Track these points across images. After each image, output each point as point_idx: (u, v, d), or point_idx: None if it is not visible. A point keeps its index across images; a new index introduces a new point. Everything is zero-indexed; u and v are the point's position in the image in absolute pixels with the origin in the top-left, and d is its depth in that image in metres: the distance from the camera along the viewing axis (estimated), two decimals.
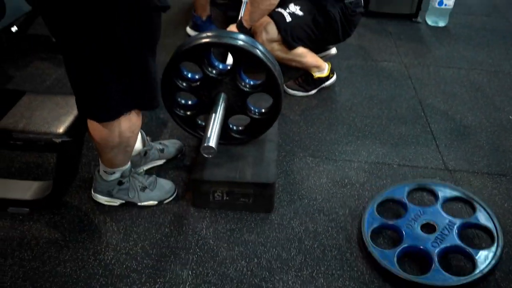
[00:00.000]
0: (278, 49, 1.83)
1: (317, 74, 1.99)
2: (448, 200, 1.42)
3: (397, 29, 2.74)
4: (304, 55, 1.89)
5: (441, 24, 2.81)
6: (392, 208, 1.42)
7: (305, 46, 1.87)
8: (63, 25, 0.92)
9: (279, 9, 1.82)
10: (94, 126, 1.12)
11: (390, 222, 1.33)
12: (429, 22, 2.83)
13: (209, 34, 1.27)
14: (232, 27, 1.80)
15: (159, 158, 1.54)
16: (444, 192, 1.42)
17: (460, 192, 1.43)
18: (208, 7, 2.42)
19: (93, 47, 0.93)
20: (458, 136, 1.80)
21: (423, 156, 1.69)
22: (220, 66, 1.34)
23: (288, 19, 1.79)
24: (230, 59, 1.70)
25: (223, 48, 1.39)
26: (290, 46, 1.82)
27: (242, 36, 1.29)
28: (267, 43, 1.80)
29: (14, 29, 2.10)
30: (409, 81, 2.18)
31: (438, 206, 1.36)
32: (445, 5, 2.73)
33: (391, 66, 2.32)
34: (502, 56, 2.47)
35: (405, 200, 1.39)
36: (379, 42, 2.57)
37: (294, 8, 1.82)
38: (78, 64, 0.98)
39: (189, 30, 2.51)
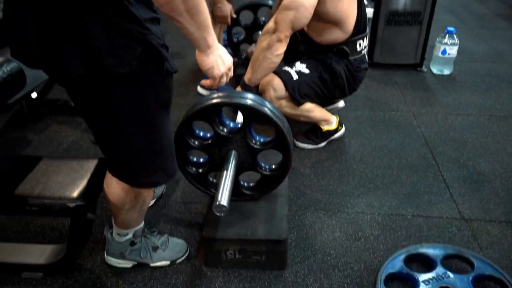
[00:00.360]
0: (286, 106, 1.88)
1: (325, 127, 2.02)
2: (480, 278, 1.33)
3: (403, 78, 2.80)
4: (312, 110, 1.93)
5: (446, 72, 2.87)
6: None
7: (312, 101, 1.92)
8: (89, 100, 0.95)
9: (286, 68, 1.88)
10: (112, 189, 1.14)
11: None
12: (434, 71, 2.89)
13: (219, 94, 1.32)
14: (238, 89, 1.86)
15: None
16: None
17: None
18: None
19: (117, 115, 0.95)
20: (472, 184, 1.78)
21: (437, 205, 1.66)
22: (231, 125, 1.38)
23: (295, 77, 1.85)
24: (240, 117, 1.75)
25: (234, 108, 1.43)
26: (298, 103, 1.86)
27: (251, 95, 1.34)
28: (275, 100, 1.85)
29: (34, 95, 2.22)
30: (418, 129, 2.20)
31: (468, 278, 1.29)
32: (449, 54, 2.79)
33: (399, 115, 2.34)
34: (510, 101, 2.48)
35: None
36: (386, 92, 2.61)
37: (300, 67, 1.88)
38: (105, 133, 1.01)
39: (200, 89, 2.61)
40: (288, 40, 1.71)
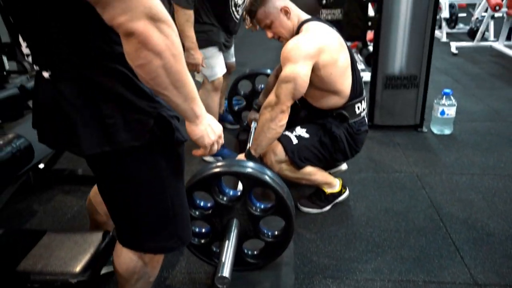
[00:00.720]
0: (286, 169, 1.89)
1: (329, 190, 2.02)
2: None
3: (404, 139, 2.83)
4: (313, 173, 1.95)
5: (447, 132, 2.91)
6: None
7: (313, 165, 1.94)
8: (103, 170, 1.00)
9: (286, 132, 1.92)
10: (121, 259, 1.13)
11: None
12: (435, 131, 2.93)
13: (218, 164, 1.34)
14: (241, 156, 1.88)
15: None
16: None
17: None
18: None
19: (131, 184, 0.99)
20: (483, 246, 1.74)
21: (449, 270, 1.61)
22: (231, 193, 1.39)
23: (295, 141, 1.88)
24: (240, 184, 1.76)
25: (233, 176, 1.45)
26: (299, 166, 1.88)
27: (250, 163, 1.36)
28: (275, 164, 1.87)
29: (41, 166, 2.25)
30: (423, 191, 2.19)
31: None
32: (447, 114, 2.85)
33: (403, 176, 2.35)
34: (511, 159, 2.49)
35: None
36: (388, 154, 2.64)
37: (300, 131, 1.92)
38: (119, 202, 1.03)
39: (208, 158, 2.65)
40: (289, 109, 1.77)
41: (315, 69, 1.74)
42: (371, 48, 3.16)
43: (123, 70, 0.87)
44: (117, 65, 0.87)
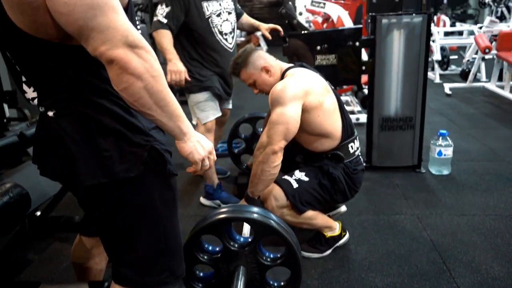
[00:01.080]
0: (288, 214, 1.88)
1: (329, 234, 1.99)
2: None
3: (403, 180, 2.83)
4: (314, 217, 1.93)
5: (445, 172, 2.91)
6: None
7: (314, 208, 1.92)
8: (97, 204, 1.04)
9: (286, 177, 1.93)
10: None
11: None
12: (433, 172, 2.93)
13: (227, 209, 1.34)
14: (243, 202, 1.87)
15: None
16: None
17: None
18: (215, 175, 2.58)
19: (125, 215, 1.02)
20: None
21: None
22: (241, 239, 1.37)
23: (295, 185, 1.88)
24: (247, 229, 1.74)
25: (244, 222, 1.44)
26: (300, 211, 1.87)
27: (261, 211, 1.36)
28: (276, 209, 1.85)
29: (38, 213, 2.22)
30: (424, 233, 2.16)
31: None
32: (445, 155, 2.87)
33: (404, 218, 2.32)
34: (510, 199, 2.48)
35: None
36: (388, 195, 2.62)
37: (299, 175, 1.92)
38: (113, 234, 1.06)
39: (202, 199, 2.63)
40: (282, 151, 1.78)
41: (303, 112, 1.77)
42: (365, 90, 3.23)
43: (116, 107, 0.95)
44: (111, 102, 0.95)
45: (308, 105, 1.77)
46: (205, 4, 2.32)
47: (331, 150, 1.92)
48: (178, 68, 2.23)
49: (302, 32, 2.76)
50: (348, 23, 3.96)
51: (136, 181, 0.99)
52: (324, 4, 3.87)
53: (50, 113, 0.96)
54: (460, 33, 7.27)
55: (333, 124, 1.89)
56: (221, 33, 2.39)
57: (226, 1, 2.42)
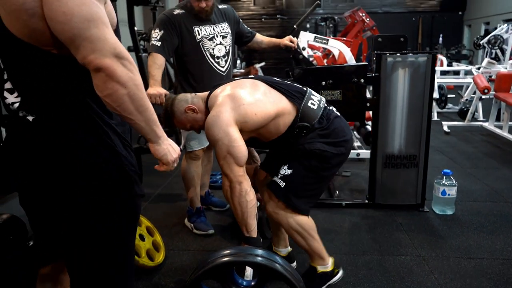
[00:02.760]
0: (286, 216, 1.81)
1: (320, 269, 1.90)
2: None
3: (407, 219, 2.77)
4: (311, 232, 1.85)
5: (449, 212, 2.86)
6: None
7: (314, 196, 1.86)
8: (65, 222, 1.06)
9: (274, 178, 1.84)
10: None
11: None
12: (437, 211, 2.88)
13: (230, 251, 1.27)
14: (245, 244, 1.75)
15: None
16: None
17: None
18: (197, 200, 2.64)
19: (92, 230, 1.06)
20: None
21: None
22: (244, 283, 1.30)
23: (282, 184, 1.79)
24: (249, 270, 1.66)
25: (247, 266, 1.37)
26: (296, 209, 1.79)
27: (264, 253, 1.29)
28: (273, 214, 1.82)
29: (31, 243, 2.13)
30: (432, 276, 2.09)
31: None
32: (448, 194, 2.83)
33: (409, 260, 2.25)
34: None
35: None
36: (392, 235, 2.56)
37: (283, 170, 1.82)
38: (80, 251, 1.08)
39: (186, 221, 2.72)
40: (245, 175, 1.69)
41: (242, 126, 1.69)
42: (368, 127, 3.22)
43: (94, 122, 1.02)
44: (90, 117, 1.01)
45: (242, 119, 1.68)
46: (196, 29, 2.39)
47: (294, 122, 1.77)
48: (158, 91, 2.25)
49: (308, 67, 2.76)
50: (350, 59, 4.00)
51: (102, 199, 1.04)
52: (327, 40, 3.92)
53: (30, 118, 0.99)
54: (456, 72, 7.41)
55: (276, 102, 1.76)
56: (213, 56, 2.43)
57: (222, 25, 2.47)
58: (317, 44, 4.09)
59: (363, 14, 5.59)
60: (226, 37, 2.48)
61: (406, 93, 2.77)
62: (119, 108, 0.95)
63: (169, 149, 1.13)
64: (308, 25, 12.32)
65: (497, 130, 4.99)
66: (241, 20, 2.68)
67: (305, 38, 3.97)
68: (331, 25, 10.20)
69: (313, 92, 1.86)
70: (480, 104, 5.90)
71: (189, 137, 2.50)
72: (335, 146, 1.79)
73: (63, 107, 0.99)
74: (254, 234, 1.71)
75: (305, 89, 1.85)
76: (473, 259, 2.25)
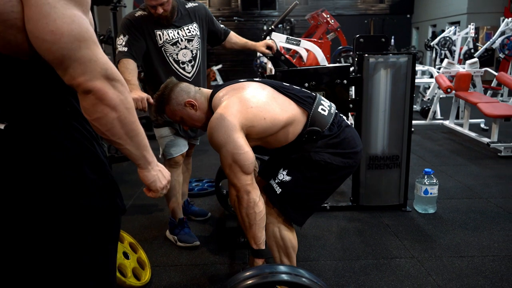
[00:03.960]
0: (273, 223, 1.68)
1: None
2: None
3: (392, 220, 2.77)
4: (290, 251, 1.71)
5: (431, 211, 2.89)
6: None
7: (313, 208, 1.74)
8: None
9: (270, 181, 1.72)
10: None
11: None
12: (419, 210, 2.90)
13: (251, 273, 1.15)
14: (259, 261, 1.61)
15: None
16: None
17: None
18: (179, 211, 2.49)
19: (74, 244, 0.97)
20: None
21: None
22: None
23: (278, 190, 1.66)
24: None
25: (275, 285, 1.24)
26: (291, 220, 1.68)
27: (284, 268, 1.18)
28: (272, 226, 1.68)
29: None
30: (430, 278, 2.07)
31: None
32: (431, 193, 2.86)
33: (405, 262, 2.23)
34: (504, 238, 2.48)
35: None
36: (381, 237, 2.53)
37: (281, 175, 1.69)
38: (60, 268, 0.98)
39: (167, 232, 2.58)
40: (254, 184, 1.56)
41: (248, 131, 1.57)
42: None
43: (76, 124, 0.95)
44: (69, 119, 0.94)
45: (249, 123, 1.56)
46: (158, 33, 2.22)
47: (304, 129, 1.64)
48: (140, 95, 2.09)
49: (291, 68, 2.69)
50: (323, 61, 3.98)
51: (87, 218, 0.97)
52: (299, 41, 3.87)
53: (1, 126, 0.89)
54: None
55: (286, 108, 1.62)
56: (177, 62, 2.28)
57: (188, 27, 2.30)
58: (289, 46, 4.03)
59: (328, 16, 5.63)
60: (192, 40, 2.30)
61: (388, 94, 2.76)
62: (109, 133, 0.89)
63: (158, 175, 1.07)
64: (265, 27, 12.32)
65: (458, 128, 5.19)
66: (214, 18, 2.52)
67: (277, 39, 3.88)
68: (288, 27, 10.26)
69: (323, 98, 1.74)
70: (438, 103, 6.13)
71: (167, 144, 2.34)
72: (343, 158, 1.65)
73: (40, 113, 0.91)
74: (263, 246, 1.59)
75: (314, 94, 1.73)
76: (465, 258, 2.26)
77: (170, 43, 2.24)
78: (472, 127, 5.14)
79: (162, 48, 2.23)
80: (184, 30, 2.28)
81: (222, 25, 2.59)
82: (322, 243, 2.47)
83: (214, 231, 2.66)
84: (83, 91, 0.84)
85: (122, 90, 0.88)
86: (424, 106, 5.92)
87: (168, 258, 2.33)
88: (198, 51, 2.34)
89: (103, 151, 1.05)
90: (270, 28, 3.00)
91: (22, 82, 0.88)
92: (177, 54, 2.26)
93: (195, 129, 2.38)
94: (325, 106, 1.69)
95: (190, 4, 2.38)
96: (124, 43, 2.17)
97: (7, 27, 0.81)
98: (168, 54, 2.25)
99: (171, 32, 2.24)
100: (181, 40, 2.27)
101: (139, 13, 2.23)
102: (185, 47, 2.28)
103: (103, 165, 1.00)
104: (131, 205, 3.15)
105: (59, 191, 0.92)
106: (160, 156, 2.39)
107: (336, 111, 1.73)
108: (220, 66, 11.81)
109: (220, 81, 10.78)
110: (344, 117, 1.78)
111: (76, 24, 0.82)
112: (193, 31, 2.31)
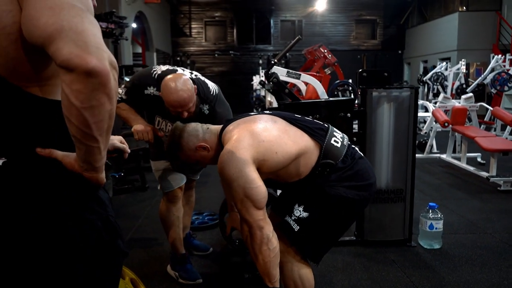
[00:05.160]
0: (291, 262, 1.62)
1: None
2: None
3: (398, 256, 2.71)
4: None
5: (436, 246, 2.84)
6: None
7: (331, 244, 1.71)
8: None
9: (286, 217, 1.65)
10: None
11: None
12: (425, 246, 2.85)
13: None
14: None
15: None
16: None
17: None
18: (180, 245, 2.41)
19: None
20: None
21: None
22: None
23: (296, 227, 1.59)
24: None
25: None
26: (308, 257, 1.64)
27: None
28: (290, 266, 1.62)
29: None
30: None
31: None
32: (436, 228, 2.81)
33: None
34: (511, 275, 2.43)
35: None
36: (388, 273, 2.47)
37: (298, 211, 1.61)
38: None
39: (168, 267, 2.49)
40: (266, 219, 1.51)
41: (260, 165, 1.52)
42: None
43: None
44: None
45: (261, 157, 1.51)
46: (158, 118, 2.21)
47: (317, 161, 1.59)
48: (145, 127, 2.10)
49: (294, 101, 2.70)
50: (322, 94, 4.02)
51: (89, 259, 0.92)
52: (300, 75, 3.92)
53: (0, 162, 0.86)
54: None
55: (297, 140, 1.58)
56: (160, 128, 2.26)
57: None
58: (289, 79, 4.08)
59: (325, 51, 5.74)
60: None
61: (391, 127, 2.77)
62: (95, 126, 0.77)
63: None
64: (260, 61, 12.55)
65: (456, 162, 5.21)
66: (216, 105, 2.20)
67: (278, 72, 3.93)
68: (282, 61, 10.47)
69: (335, 129, 1.71)
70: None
71: (164, 177, 2.27)
72: (358, 191, 1.60)
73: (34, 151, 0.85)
74: (277, 284, 1.52)
75: (326, 125, 1.70)
76: None
77: (165, 133, 2.19)
78: (469, 161, 5.17)
79: (160, 128, 2.23)
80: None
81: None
82: (328, 280, 2.40)
83: (217, 267, 2.58)
84: (85, 70, 0.71)
85: (117, 83, 0.80)
86: (421, 140, 5.96)
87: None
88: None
89: (105, 190, 1.00)
90: (272, 61, 3.04)
91: (22, 116, 0.84)
92: (166, 136, 2.16)
93: (196, 169, 2.36)
94: (338, 138, 1.66)
95: (204, 107, 2.16)
96: (120, 97, 2.13)
97: (11, 41, 0.78)
98: (160, 135, 2.21)
99: (169, 125, 2.18)
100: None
101: (150, 90, 2.10)
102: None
103: (103, 205, 0.95)
104: (129, 238, 3.06)
105: (55, 230, 0.87)
106: (159, 188, 2.35)
107: (349, 142, 1.71)
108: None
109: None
110: (357, 149, 1.75)
111: (77, 1, 0.76)
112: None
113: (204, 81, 2.19)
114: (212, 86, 2.21)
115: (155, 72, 2.11)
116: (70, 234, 0.88)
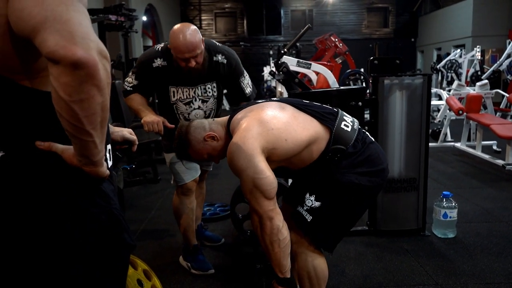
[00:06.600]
0: (305, 253, 1.61)
1: None
2: None
3: (411, 245, 2.68)
4: (321, 283, 1.65)
5: (451, 235, 2.80)
6: None
7: (344, 233, 1.67)
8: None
9: (298, 208, 1.63)
10: None
11: None
12: (439, 235, 2.82)
13: None
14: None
15: None
16: None
17: None
18: (193, 237, 2.41)
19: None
20: None
21: None
22: None
23: (308, 217, 1.57)
24: None
25: None
26: (322, 247, 1.63)
27: None
28: (293, 248, 1.60)
29: None
30: None
31: None
32: (450, 217, 2.77)
33: None
34: None
35: None
36: (402, 263, 2.45)
37: (309, 201, 1.59)
38: None
39: (180, 258, 2.50)
40: (276, 209, 1.50)
41: (270, 154, 1.50)
42: None
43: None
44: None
45: (271, 145, 1.50)
46: (172, 89, 2.13)
47: (327, 147, 1.56)
48: (154, 118, 2.09)
49: (305, 91, 2.67)
50: (334, 83, 3.97)
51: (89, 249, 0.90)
52: (310, 64, 3.88)
53: None
54: None
55: (307, 126, 1.56)
56: (187, 120, 2.14)
57: (205, 87, 2.16)
58: (299, 69, 4.04)
59: (336, 40, 5.67)
60: (207, 101, 2.17)
61: (404, 115, 2.72)
62: (86, 120, 0.74)
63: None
64: (271, 52, 12.47)
65: (470, 150, 5.12)
66: (243, 77, 2.27)
67: (288, 62, 3.89)
68: (293, 51, 10.38)
69: (345, 113, 1.66)
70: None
71: (178, 170, 2.25)
72: (370, 177, 1.56)
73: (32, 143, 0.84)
74: (288, 274, 1.52)
75: (335, 109, 1.65)
76: (491, 285, 2.17)
77: (183, 102, 2.15)
78: (485, 149, 5.07)
79: (174, 106, 2.16)
80: (201, 89, 2.15)
81: (249, 89, 2.33)
82: (341, 270, 2.38)
83: (229, 258, 2.58)
84: (71, 61, 0.68)
85: (108, 72, 0.75)
86: (435, 128, 5.87)
87: (182, 286, 2.25)
88: (212, 111, 2.22)
89: (111, 182, 0.97)
90: (282, 51, 3.01)
91: (20, 108, 0.83)
92: (188, 114, 2.17)
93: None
94: (348, 122, 1.62)
95: (217, 57, 2.14)
96: (131, 85, 2.16)
97: (0, 34, 0.76)
98: (179, 112, 2.17)
99: (186, 91, 2.13)
100: (195, 100, 2.16)
101: (158, 62, 2.08)
102: (199, 107, 2.17)
103: (106, 198, 0.92)
104: (142, 230, 3.09)
105: (56, 224, 0.85)
106: (172, 182, 2.35)
107: (359, 126, 1.67)
108: (225, 90, 11.91)
109: (226, 105, 10.82)
110: (368, 133, 1.71)
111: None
112: (209, 92, 2.18)
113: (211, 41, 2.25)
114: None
115: (158, 47, 2.15)
116: (69, 230, 0.86)
